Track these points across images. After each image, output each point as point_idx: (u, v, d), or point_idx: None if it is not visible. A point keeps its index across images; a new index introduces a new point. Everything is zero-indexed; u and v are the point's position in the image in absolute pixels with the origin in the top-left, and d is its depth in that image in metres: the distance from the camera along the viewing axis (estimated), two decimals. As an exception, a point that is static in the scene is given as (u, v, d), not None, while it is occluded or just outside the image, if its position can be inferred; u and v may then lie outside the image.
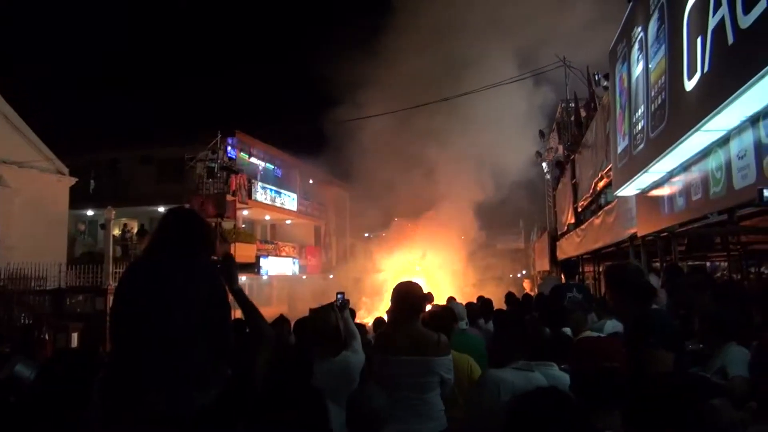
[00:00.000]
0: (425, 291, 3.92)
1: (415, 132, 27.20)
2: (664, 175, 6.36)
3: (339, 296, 4.41)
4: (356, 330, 4.39)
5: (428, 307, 5.40)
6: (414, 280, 3.58)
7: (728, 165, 4.60)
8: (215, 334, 2.37)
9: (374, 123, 25.98)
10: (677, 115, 5.09)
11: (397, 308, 3.32)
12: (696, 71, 4.51)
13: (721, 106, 4.01)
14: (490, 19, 27.05)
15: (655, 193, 6.91)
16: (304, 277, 31.98)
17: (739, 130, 4.38)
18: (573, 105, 16.76)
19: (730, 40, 3.82)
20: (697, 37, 4.45)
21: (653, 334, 3.05)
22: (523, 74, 20.43)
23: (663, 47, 5.48)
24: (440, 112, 24.62)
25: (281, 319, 5.74)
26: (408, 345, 3.11)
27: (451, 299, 9.15)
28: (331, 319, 4.38)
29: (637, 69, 6.58)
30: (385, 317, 6.62)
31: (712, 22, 4.13)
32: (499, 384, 2.66)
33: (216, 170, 22.78)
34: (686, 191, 5.70)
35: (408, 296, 3.33)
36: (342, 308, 4.35)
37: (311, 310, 4.43)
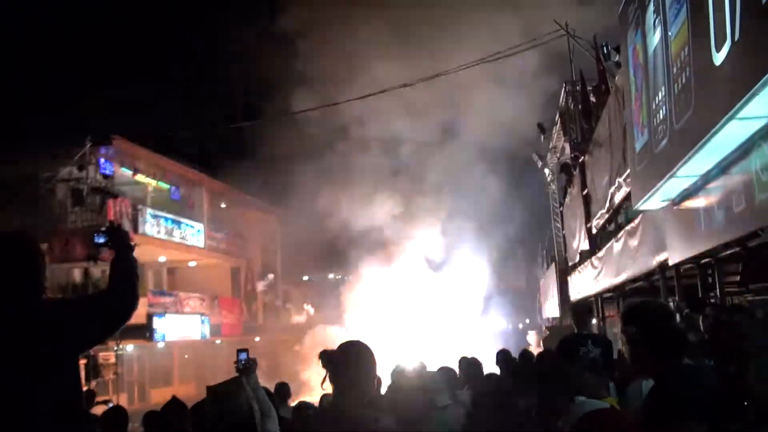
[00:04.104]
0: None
1: (369, 131, 27.43)
2: (697, 180, 6.57)
3: (241, 356, 4.40)
4: (269, 403, 4.36)
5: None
6: (360, 341, 3.57)
7: (776, 163, 4.80)
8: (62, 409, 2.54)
9: (312, 120, 26.12)
10: (706, 98, 5.29)
11: (330, 381, 3.31)
12: (725, 39, 4.71)
13: (758, 85, 4.18)
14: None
15: (687, 204, 7.13)
16: (219, 341, 31.47)
17: (787, 116, 4.58)
18: (579, 88, 17.20)
19: (764, -4, 4.01)
20: (724, -6, 4.66)
21: (684, 402, 3.08)
22: (513, 48, 20.83)
23: (684, 8, 5.71)
24: (402, 102, 24.92)
25: (173, 406, 5.63)
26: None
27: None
28: (241, 400, 4.33)
29: (654, 38, 6.83)
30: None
31: (741, -26, 4.33)
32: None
33: (85, 193, 22.39)
34: (726, 200, 5.89)
35: (346, 364, 3.30)
36: (247, 373, 4.31)
37: (209, 390, 4.37)
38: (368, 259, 28.83)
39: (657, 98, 6.83)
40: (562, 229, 21.45)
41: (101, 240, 3.10)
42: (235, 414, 4.36)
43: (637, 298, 9.91)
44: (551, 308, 23.22)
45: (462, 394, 6.83)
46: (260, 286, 35.83)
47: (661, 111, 6.68)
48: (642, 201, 7.89)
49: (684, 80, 5.80)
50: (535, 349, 21.66)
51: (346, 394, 3.28)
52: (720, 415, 3.31)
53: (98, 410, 8.02)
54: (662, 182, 6.82)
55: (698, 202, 6.75)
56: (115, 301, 2.86)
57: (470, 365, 8.01)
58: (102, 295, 2.91)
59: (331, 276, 37.15)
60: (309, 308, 29.12)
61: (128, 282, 2.91)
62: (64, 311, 2.75)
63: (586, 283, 15.15)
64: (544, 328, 25.74)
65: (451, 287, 29.71)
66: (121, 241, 3.03)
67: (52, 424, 2.52)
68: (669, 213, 7.80)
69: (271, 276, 36.58)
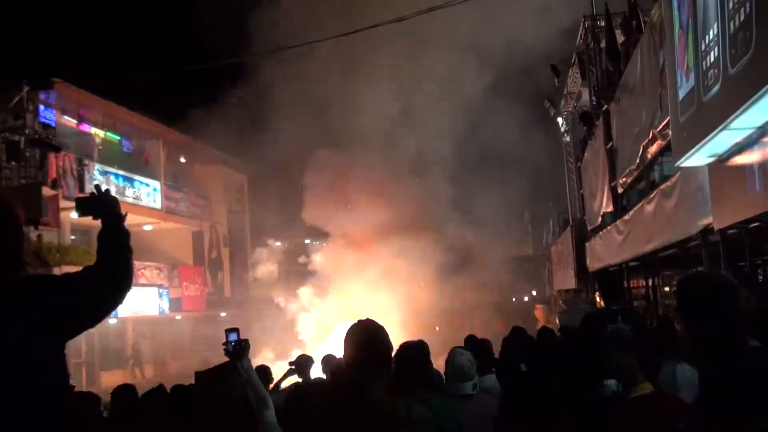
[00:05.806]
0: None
1: (352, 71, 27.24)
2: (753, 133, 6.56)
3: (231, 337, 4.40)
4: (264, 390, 4.40)
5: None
6: (375, 320, 3.61)
7: None
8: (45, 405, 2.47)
9: (285, 58, 25.88)
10: (771, 38, 5.26)
11: (349, 366, 3.33)
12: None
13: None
14: None
15: (738, 160, 7.14)
16: (180, 317, 31.57)
17: None
18: (603, 24, 17.11)
19: None
20: None
21: (749, 392, 3.09)
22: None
23: (744, -70, 5.65)
24: (389, 39, 24.74)
25: (158, 394, 5.68)
26: (356, 427, 3.12)
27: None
28: (234, 388, 4.35)
29: (706, -35, 6.78)
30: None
31: None
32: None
33: (22, 146, 22.21)
34: (787, 157, 5.92)
35: (364, 346, 3.33)
36: (239, 357, 4.32)
37: (198, 375, 4.38)
38: (355, 221, 28.81)
39: (707, 38, 6.79)
40: (580, 188, 21.46)
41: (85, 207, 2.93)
42: (228, 403, 4.38)
43: (681, 270, 9.97)
44: (565, 279, 23.33)
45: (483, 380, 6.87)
46: (262, 254, 34.88)
47: (712, 53, 6.64)
48: (685, 157, 7.87)
49: (743, 17, 5.75)
50: (545, 325, 21.81)
51: (367, 380, 3.30)
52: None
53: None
54: (712, 135, 6.80)
55: (752, 158, 6.75)
56: (105, 280, 2.72)
57: (477, 345, 8.05)
58: (89, 273, 2.72)
59: (308, 241, 37.09)
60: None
61: (119, 257, 2.77)
62: (49, 290, 2.62)
63: (609, 250, 15.22)
64: (560, 302, 25.92)
65: (446, 254, 29.79)
66: (108, 209, 2.86)
67: (36, 418, 2.47)
68: (715, 170, 7.82)
69: (273, 243, 36.11)
